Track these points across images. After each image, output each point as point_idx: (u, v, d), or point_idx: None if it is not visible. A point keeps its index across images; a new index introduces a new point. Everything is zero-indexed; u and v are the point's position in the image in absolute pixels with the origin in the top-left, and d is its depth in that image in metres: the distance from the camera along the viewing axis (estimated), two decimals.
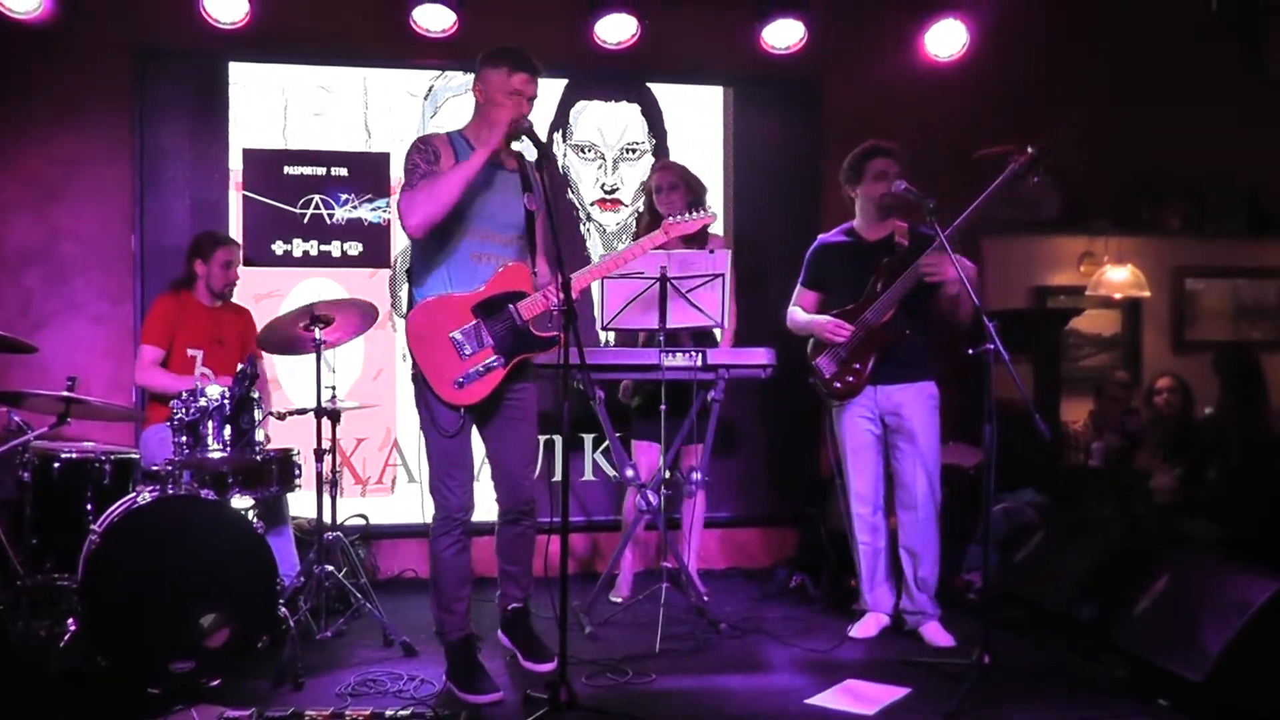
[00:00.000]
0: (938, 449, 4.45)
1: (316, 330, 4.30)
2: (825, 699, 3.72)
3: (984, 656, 3.86)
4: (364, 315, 4.57)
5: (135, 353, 4.85)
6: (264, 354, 5.00)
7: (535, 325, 3.73)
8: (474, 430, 3.86)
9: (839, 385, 4.46)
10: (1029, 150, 4.08)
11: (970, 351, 3.94)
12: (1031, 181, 4.15)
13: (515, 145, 3.80)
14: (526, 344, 3.73)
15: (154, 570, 3.65)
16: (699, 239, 4.82)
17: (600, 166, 5.90)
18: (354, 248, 5.60)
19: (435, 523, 3.78)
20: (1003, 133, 4.40)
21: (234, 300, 4.93)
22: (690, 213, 4.06)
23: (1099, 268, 6.41)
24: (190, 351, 4.68)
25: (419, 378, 3.73)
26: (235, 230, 5.46)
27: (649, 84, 5.98)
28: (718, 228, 5.80)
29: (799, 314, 4.62)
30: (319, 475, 4.37)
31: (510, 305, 3.70)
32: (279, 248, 5.53)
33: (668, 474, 4.67)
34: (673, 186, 4.95)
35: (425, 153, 3.68)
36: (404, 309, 5.14)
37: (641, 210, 5.36)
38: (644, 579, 5.14)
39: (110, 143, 5.42)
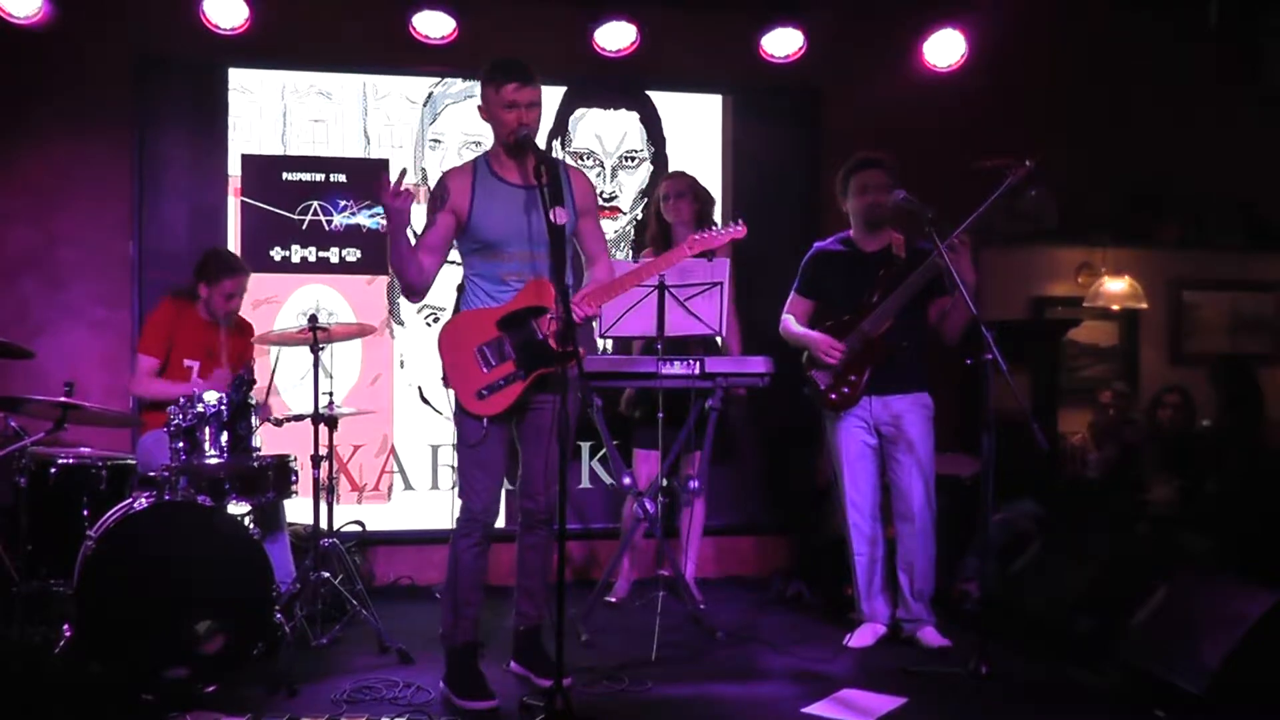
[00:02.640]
0: (933, 459, 4.45)
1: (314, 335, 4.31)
2: (821, 708, 3.71)
3: (981, 666, 3.87)
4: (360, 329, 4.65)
5: (132, 361, 4.84)
6: (261, 358, 5.00)
7: (555, 339, 3.73)
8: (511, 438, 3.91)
9: (834, 396, 4.46)
10: (1026, 163, 4.08)
11: (969, 361, 3.95)
12: (1029, 195, 4.15)
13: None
14: (545, 357, 3.73)
15: (149, 576, 3.65)
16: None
17: (599, 174, 5.90)
18: (352, 254, 5.60)
19: (458, 524, 3.81)
20: (1001, 143, 4.40)
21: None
22: (708, 227, 4.05)
23: (1097, 279, 6.41)
24: (187, 362, 4.66)
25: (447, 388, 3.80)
26: (233, 236, 5.46)
27: (648, 91, 5.98)
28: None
29: (793, 325, 4.61)
30: (315, 481, 4.37)
31: (532, 320, 3.71)
32: (277, 254, 5.53)
33: (665, 482, 4.67)
34: (680, 195, 4.97)
35: (434, 200, 3.79)
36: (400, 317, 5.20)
37: (643, 217, 5.36)
38: (641, 587, 5.13)
39: (109, 148, 5.41)
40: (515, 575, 4.02)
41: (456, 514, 3.83)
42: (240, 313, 4.91)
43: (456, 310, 3.94)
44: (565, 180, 3.81)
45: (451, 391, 3.75)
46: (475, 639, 3.83)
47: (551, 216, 3.52)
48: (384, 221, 5.58)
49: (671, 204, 4.97)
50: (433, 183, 4.07)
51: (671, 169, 5.64)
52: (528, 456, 3.91)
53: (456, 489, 3.86)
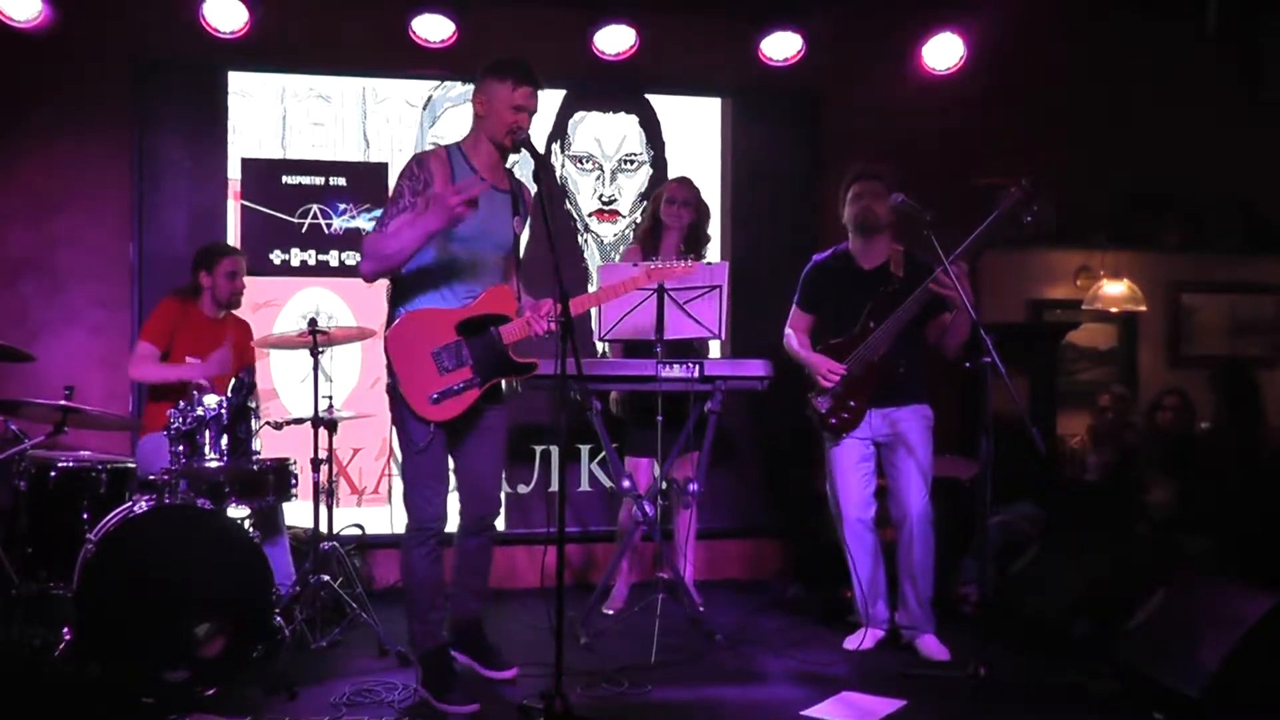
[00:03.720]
0: (931, 463, 4.45)
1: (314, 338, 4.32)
2: (821, 710, 3.72)
3: (980, 668, 3.87)
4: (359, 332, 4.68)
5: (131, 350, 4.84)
6: (260, 359, 5.00)
7: (515, 350, 3.73)
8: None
9: (835, 421, 4.45)
10: (1022, 183, 4.07)
11: (967, 364, 3.95)
12: (1025, 220, 4.14)
13: (513, 157, 3.81)
14: (504, 367, 3.72)
15: (149, 579, 3.65)
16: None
17: (598, 177, 5.90)
18: (352, 257, 5.60)
19: (408, 533, 3.77)
20: (1001, 146, 4.42)
21: (237, 311, 4.91)
22: (678, 260, 4.08)
23: (1096, 282, 6.42)
24: (190, 359, 4.67)
25: (394, 390, 3.69)
26: (233, 238, 5.46)
27: (647, 95, 5.99)
28: (713, 248, 5.80)
29: (795, 344, 4.60)
30: (315, 485, 4.37)
31: (492, 327, 3.68)
32: (277, 257, 5.53)
33: (664, 485, 4.67)
34: (685, 203, 4.94)
35: (415, 179, 3.63)
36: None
37: (641, 218, 5.34)
38: (640, 590, 5.13)
39: (109, 151, 5.42)
40: (455, 574, 3.99)
41: (405, 523, 3.80)
42: (240, 315, 4.92)
43: (395, 309, 3.77)
44: (520, 192, 3.81)
45: (397, 391, 3.66)
46: (445, 641, 3.84)
47: (514, 225, 3.54)
48: None
49: (676, 209, 4.93)
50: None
51: (677, 174, 5.58)
52: (475, 462, 3.88)
53: (403, 496, 3.80)
